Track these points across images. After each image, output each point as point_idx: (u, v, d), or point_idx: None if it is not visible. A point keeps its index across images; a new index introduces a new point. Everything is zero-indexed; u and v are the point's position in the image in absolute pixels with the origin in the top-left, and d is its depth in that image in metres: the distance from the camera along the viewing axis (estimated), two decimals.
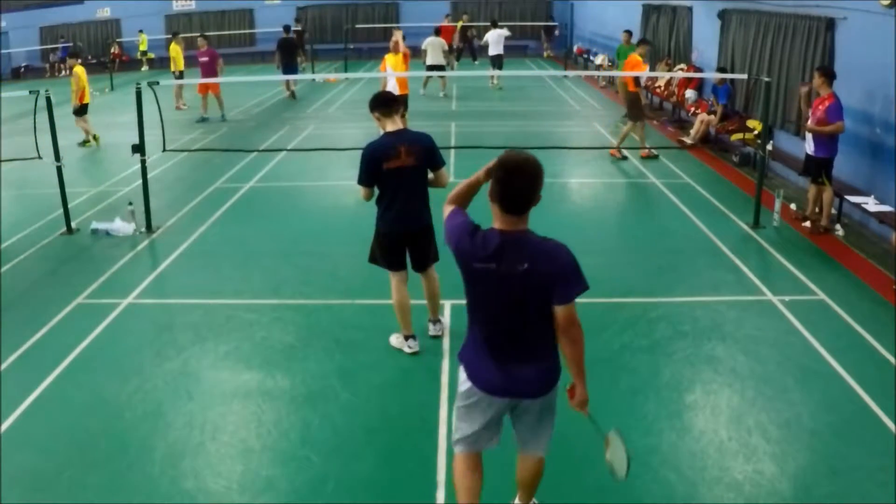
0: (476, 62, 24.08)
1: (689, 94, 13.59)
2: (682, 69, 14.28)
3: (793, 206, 8.33)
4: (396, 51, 12.00)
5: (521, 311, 2.92)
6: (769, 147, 8.95)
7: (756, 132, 10.19)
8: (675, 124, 13.97)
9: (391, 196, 4.95)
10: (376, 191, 4.97)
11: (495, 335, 3.02)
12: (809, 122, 7.69)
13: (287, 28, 20.23)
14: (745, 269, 6.75)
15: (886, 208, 7.46)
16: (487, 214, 2.94)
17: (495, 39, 19.45)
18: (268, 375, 5.03)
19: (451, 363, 5.07)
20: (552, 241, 2.90)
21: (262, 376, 5.02)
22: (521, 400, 3.07)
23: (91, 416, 4.59)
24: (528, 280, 2.84)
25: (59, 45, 26.88)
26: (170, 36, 21.26)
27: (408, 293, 5.20)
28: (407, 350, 5.25)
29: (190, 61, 17.67)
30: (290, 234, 8.03)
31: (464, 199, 3.17)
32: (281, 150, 11.74)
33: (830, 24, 8.72)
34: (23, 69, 27.33)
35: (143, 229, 8.06)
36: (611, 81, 18.61)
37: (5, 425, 4.47)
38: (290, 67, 17.37)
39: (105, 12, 28.42)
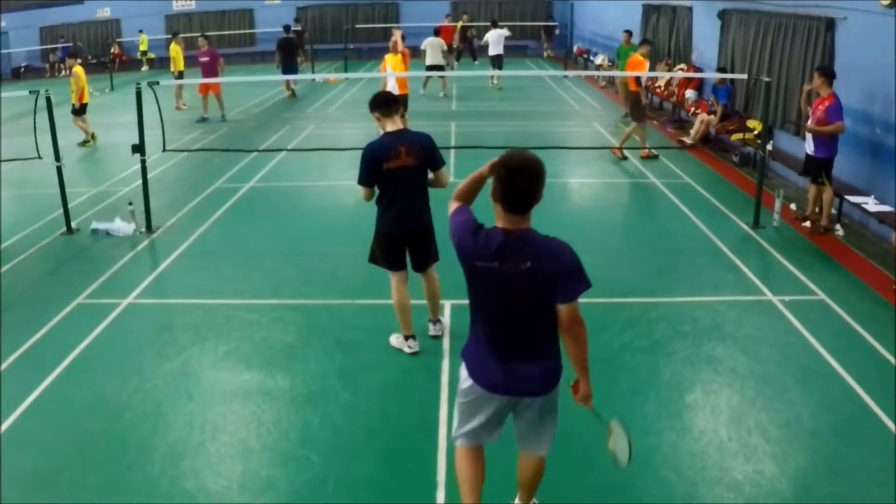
0: (476, 62, 24.07)
1: (689, 94, 13.59)
2: (682, 69, 14.28)
3: (793, 206, 8.33)
4: (396, 51, 12.02)
5: (524, 310, 2.92)
6: (769, 147, 8.95)
7: (756, 132, 10.19)
8: (675, 124, 13.96)
9: (391, 196, 4.95)
10: (376, 191, 4.98)
11: (498, 333, 3.03)
12: (809, 122, 7.69)
13: (287, 28, 20.23)
14: (745, 269, 6.75)
15: (886, 208, 7.46)
16: (489, 213, 2.95)
17: (495, 39, 19.45)
18: (268, 375, 5.03)
19: (451, 363, 5.07)
20: (555, 240, 2.91)
21: (262, 376, 5.02)
22: (523, 398, 3.08)
23: (91, 416, 4.59)
24: (530, 278, 2.84)
25: (59, 45, 26.86)
26: (170, 36, 21.27)
27: (408, 293, 5.20)
28: (407, 350, 5.25)
29: (190, 61, 17.68)
30: (290, 234, 8.03)
31: (468, 195, 3.18)
32: (281, 150, 11.74)
33: (830, 24, 8.72)
34: (23, 69, 27.32)
35: (143, 229, 8.06)
36: (611, 81, 18.61)
37: (5, 425, 4.46)
38: (289, 67, 17.37)
39: (105, 12, 28.42)
